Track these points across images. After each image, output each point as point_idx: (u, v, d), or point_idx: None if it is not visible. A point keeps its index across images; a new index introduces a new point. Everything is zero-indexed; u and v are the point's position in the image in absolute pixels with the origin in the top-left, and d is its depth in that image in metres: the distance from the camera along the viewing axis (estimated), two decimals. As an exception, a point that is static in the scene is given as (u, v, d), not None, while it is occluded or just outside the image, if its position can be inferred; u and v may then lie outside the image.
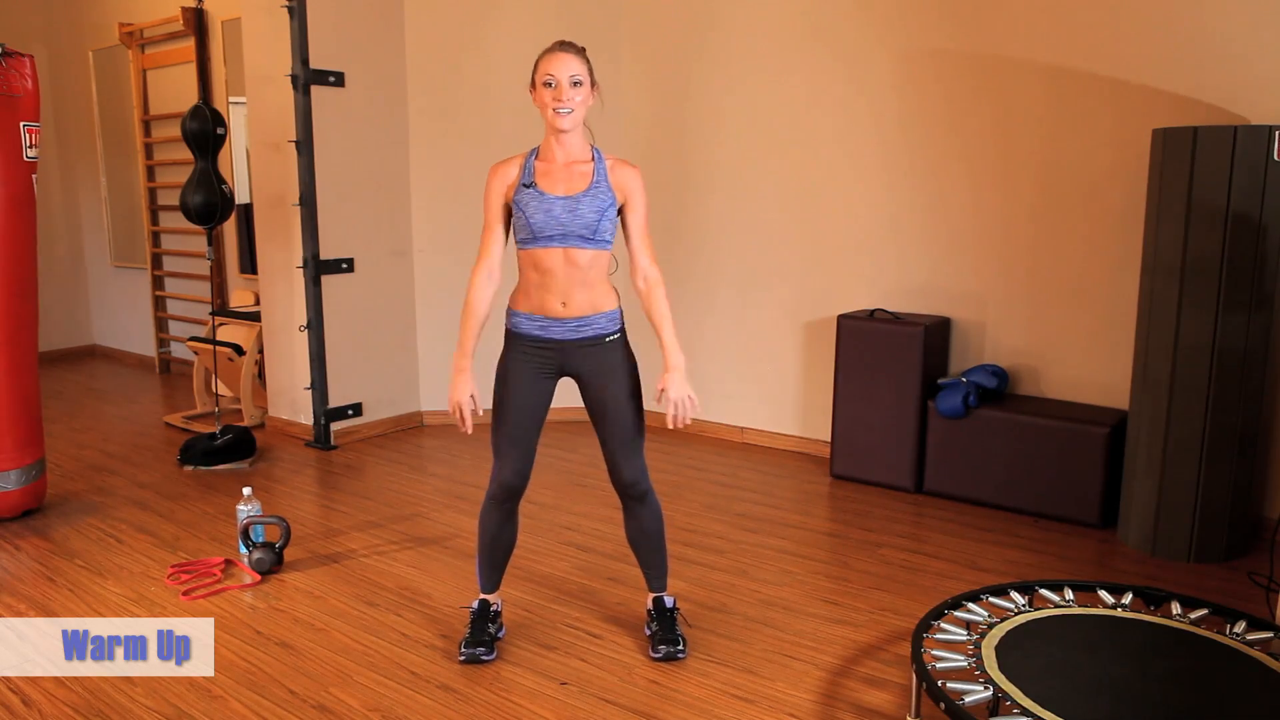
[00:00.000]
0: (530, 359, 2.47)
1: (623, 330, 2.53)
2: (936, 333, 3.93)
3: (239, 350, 4.97)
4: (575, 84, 2.34)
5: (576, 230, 2.38)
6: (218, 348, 4.89)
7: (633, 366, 2.52)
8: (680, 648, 2.58)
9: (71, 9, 6.64)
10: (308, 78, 4.41)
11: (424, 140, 4.87)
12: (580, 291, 2.42)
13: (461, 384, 2.44)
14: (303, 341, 4.63)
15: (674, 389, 2.40)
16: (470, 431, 2.45)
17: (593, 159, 2.45)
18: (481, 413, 2.47)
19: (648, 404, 2.57)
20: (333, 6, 4.48)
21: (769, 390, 4.62)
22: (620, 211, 2.46)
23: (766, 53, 4.41)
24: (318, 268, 4.56)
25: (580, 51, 2.39)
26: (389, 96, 4.76)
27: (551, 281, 2.41)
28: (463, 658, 2.56)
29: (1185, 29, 3.42)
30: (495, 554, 2.62)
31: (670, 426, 2.40)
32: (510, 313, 2.51)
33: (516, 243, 2.45)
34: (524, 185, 2.41)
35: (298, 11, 4.35)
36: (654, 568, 2.65)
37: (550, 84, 2.34)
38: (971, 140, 3.92)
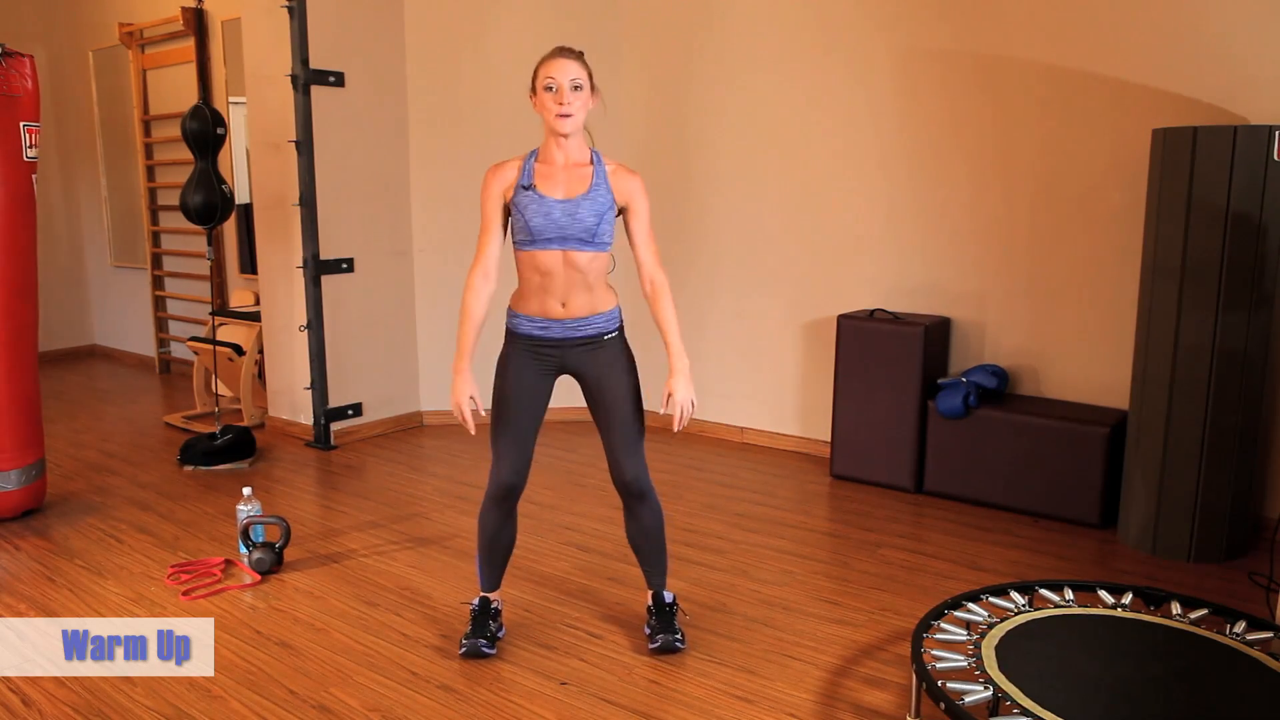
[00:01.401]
0: (530, 357, 2.50)
1: (621, 328, 2.56)
2: (936, 333, 3.93)
3: (239, 350, 4.97)
4: (576, 88, 2.36)
5: (575, 233, 2.39)
6: (218, 348, 4.89)
7: (632, 364, 2.55)
8: (678, 638, 2.59)
9: (71, 9, 6.64)
10: (308, 78, 4.41)
11: (424, 140, 4.87)
12: (579, 293, 2.45)
13: (461, 385, 2.45)
14: (303, 341, 4.63)
15: (679, 392, 2.45)
16: (474, 431, 2.48)
17: (592, 162, 2.46)
18: (483, 412, 2.48)
19: (648, 404, 2.58)
20: (333, 6, 4.49)
21: (769, 390, 4.62)
22: (623, 216, 2.48)
23: (767, 52, 4.41)
24: (318, 268, 4.56)
25: (580, 56, 2.41)
26: (389, 96, 4.76)
27: (550, 283, 2.43)
28: (463, 650, 2.57)
29: (1185, 29, 3.42)
30: (495, 553, 2.63)
31: (675, 429, 2.45)
32: (510, 313, 2.53)
33: (514, 244, 2.46)
34: (523, 187, 2.41)
35: (298, 11, 4.35)
36: (654, 566, 2.66)
37: (551, 88, 2.36)
38: (972, 140, 3.92)
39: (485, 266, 2.47)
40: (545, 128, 2.42)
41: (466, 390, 2.45)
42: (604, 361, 2.50)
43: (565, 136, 2.39)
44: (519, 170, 2.45)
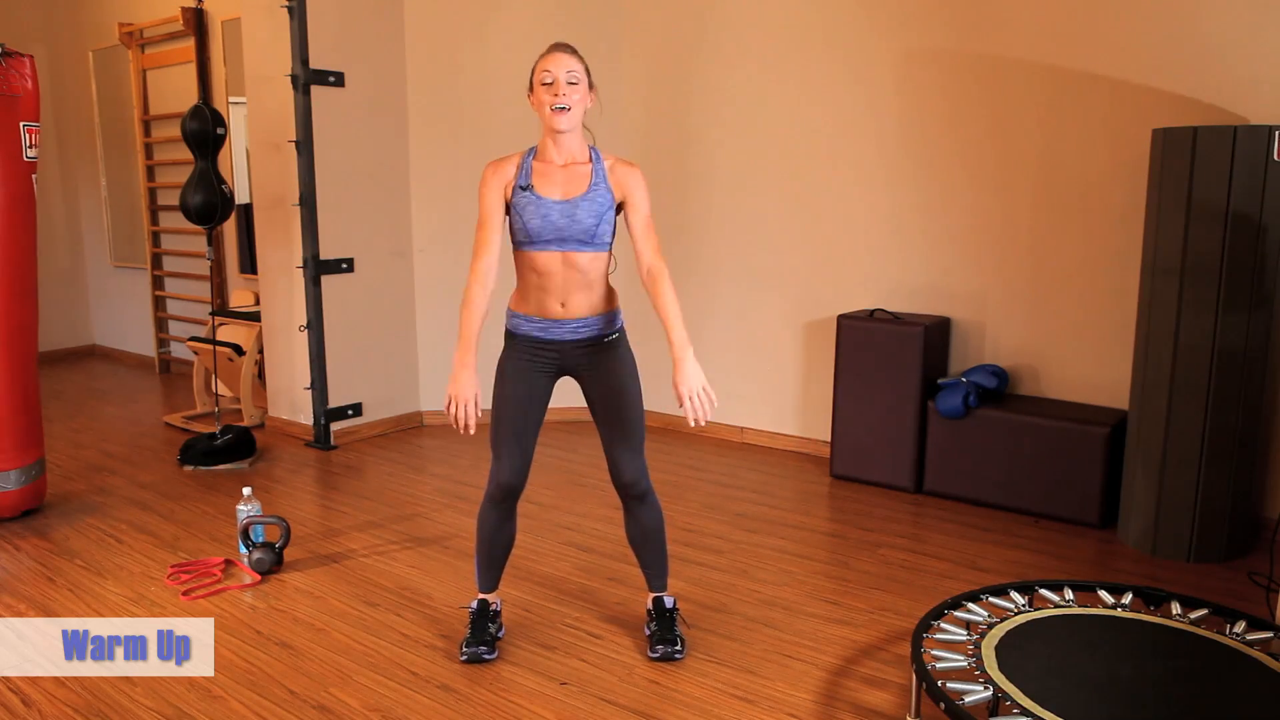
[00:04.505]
0: (530, 358, 2.48)
1: (622, 330, 2.54)
2: (936, 333, 3.93)
3: (239, 350, 4.97)
4: (572, 82, 2.33)
5: (574, 235, 2.36)
6: (218, 348, 4.89)
7: (632, 366, 2.53)
8: (678, 647, 2.58)
9: (71, 9, 6.64)
10: (308, 78, 4.41)
11: (424, 140, 4.87)
12: (579, 293, 2.42)
13: (466, 380, 2.32)
14: (303, 341, 4.63)
15: (687, 382, 2.25)
16: (473, 431, 2.34)
17: (590, 160, 2.42)
18: (481, 414, 2.40)
19: (652, 404, 2.56)
20: (333, 6, 4.49)
21: (769, 390, 4.62)
22: (622, 209, 2.44)
23: (767, 52, 4.41)
24: (318, 268, 4.56)
25: (577, 53, 2.38)
26: (389, 96, 4.76)
27: (549, 283, 2.41)
28: (464, 657, 2.56)
29: (1185, 29, 3.42)
30: (494, 554, 2.62)
31: (693, 424, 2.24)
32: (510, 314, 2.51)
33: (513, 244, 2.44)
34: (520, 188, 2.38)
35: (298, 11, 4.35)
36: (654, 568, 2.66)
37: (548, 81, 2.33)
38: (972, 140, 3.92)
39: (486, 262, 2.37)
40: (543, 125, 2.39)
41: (471, 387, 2.32)
42: (604, 364, 2.48)
43: (562, 132, 2.35)
44: (517, 168, 2.41)
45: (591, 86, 2.39)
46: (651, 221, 2.44)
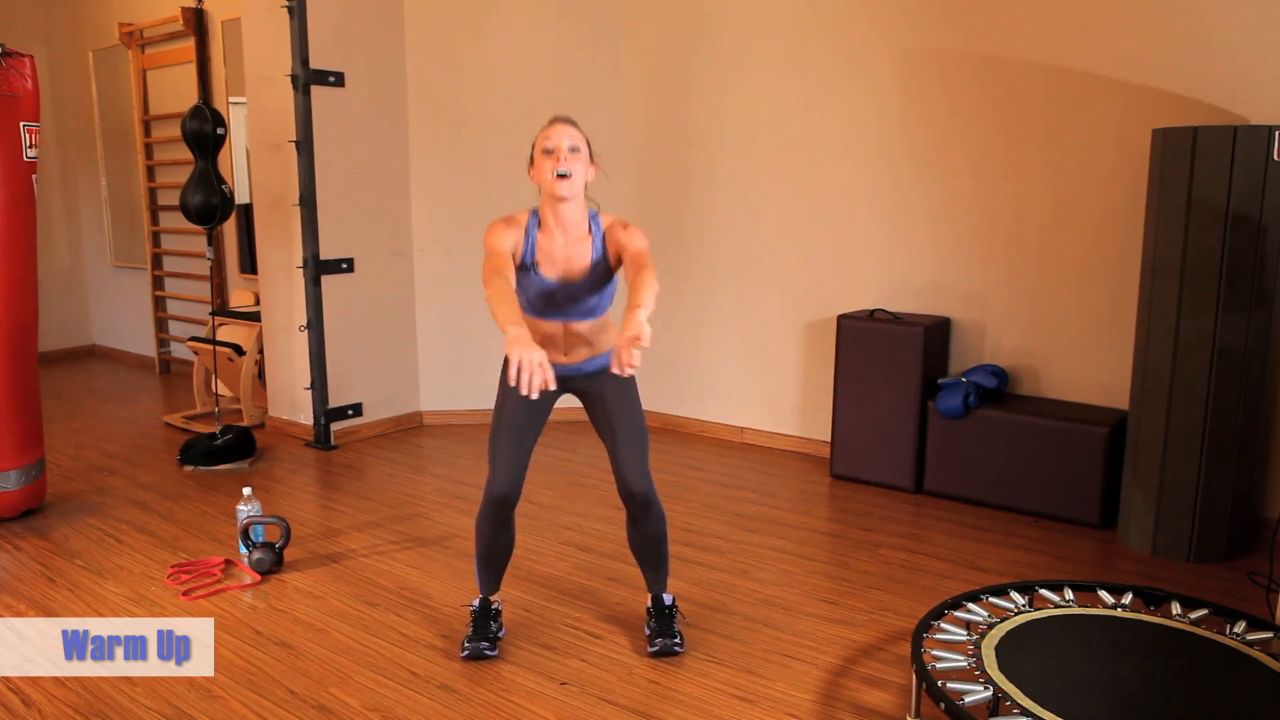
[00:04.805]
0: None
1: None
2: (936, 333, 3.93)
3: (239, 350, 4.97)
4: (574, 149, 2.35)
5: (576, 310, 2.43)
6: (218, 348, 4.89)
7: (633, 383, 2.58)
8: (677, 641, 2.59)
9: (71, 9, 6.64)
10: (308, 78, 4.41)
11: (424, 140, 4.87)
12: (580, 347, 2.51)
13: (527, 340, 2.03)
14: (303, 341, 4.63)
15: (626, 331, 2.05)
16: (552, 386, 2.04)
17: (590, 232, 2.42)
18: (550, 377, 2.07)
19: (660, 405, 2.57)
20: (333, 6, 4.49)
21: (769, 390, 4.62)
22: (620, 258, 2.41)
23: (768, 51, 4.41)
24: (318, 268, 4.56)
25: (577, 125, 2.42)
26: (389, 96, 4.76)
27: (552, 341, 2.48)
28: (466, 653, 2.57)
29: (1185, 29, 3.42)
30: (493, 560, 2.63)
31: (615, 370, 2.04)
32: None
33: None
34: (524, 265, 2.40)
35: (298, 11, 4.35)
36: (655, 572, 2.67)
37: (549, 149, 2.35)
38: (972, 140, 3.92)
39: (506, 275, 2.25)
40: (544, 196, 2.39)
41: (534, 346, 2.03)
42: (608, 386, 2.54)
43: (564, 200, 2.35)
44: (524, 235, 2.39)
45: (593, 159, 2.42)
46: (647, 254, 2.36)
